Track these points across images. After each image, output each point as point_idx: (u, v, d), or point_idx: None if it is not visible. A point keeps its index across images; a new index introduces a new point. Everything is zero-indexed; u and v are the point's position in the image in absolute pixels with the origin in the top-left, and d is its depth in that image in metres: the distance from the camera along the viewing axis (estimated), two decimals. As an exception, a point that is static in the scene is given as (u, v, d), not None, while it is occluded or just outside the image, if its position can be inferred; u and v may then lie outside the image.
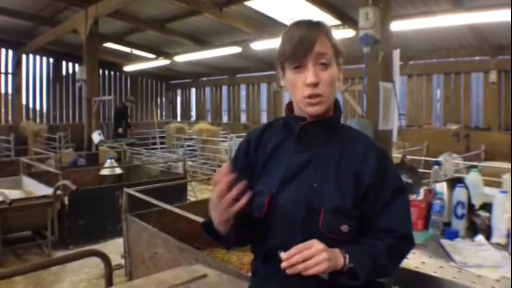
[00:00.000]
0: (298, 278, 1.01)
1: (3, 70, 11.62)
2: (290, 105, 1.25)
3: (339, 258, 1.05)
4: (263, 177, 1.22)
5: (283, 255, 1.02)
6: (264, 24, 8.06)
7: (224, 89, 14.03)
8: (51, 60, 12.78)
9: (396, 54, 3.91)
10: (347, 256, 1.05)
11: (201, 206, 4.11)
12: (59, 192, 4.27)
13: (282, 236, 1.12)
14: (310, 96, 1.11)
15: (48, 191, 4.38)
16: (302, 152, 1.19)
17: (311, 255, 1.00)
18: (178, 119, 15.76)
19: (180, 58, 10.86)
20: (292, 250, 1.01)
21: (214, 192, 1.04)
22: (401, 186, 1.20)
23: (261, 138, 1.27)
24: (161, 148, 11.60)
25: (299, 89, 1.13)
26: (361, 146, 1.19)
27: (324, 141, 1.19)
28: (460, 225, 1.93)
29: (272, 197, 1.16)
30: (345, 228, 1.11)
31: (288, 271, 1.00)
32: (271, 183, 1.18)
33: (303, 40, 1.10)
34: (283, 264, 1.00)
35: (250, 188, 1.16)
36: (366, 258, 1.08)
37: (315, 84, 1.10)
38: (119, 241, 3.90)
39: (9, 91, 11.79)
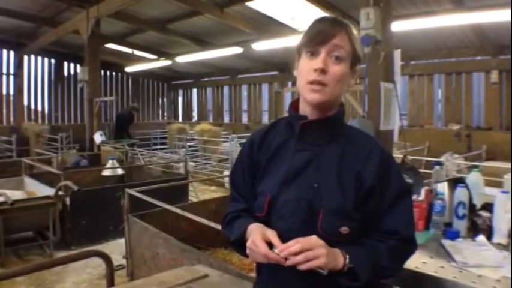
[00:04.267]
0: (300, 275, 1.02)
1: (5, 71, 11.65)
2: (294, 104, 1.25)
3: (339, 258, 1.05)
4: (265, 177, 1.23)
5: (280, 248, 1.02)
6: (265, 25, 8.06)
7: (226, 89, 14.03)
8: (52, 61, 12.80)
9: (397, 54, 3.90)
10: (347, 256, 1.05)
11: (203, 207, 4.14)
12: (60, 192, 4.28)
13: (281, 236, 1.10)
14: (313, 82, 1.11)
15: (50, 191, 4.39)
16: (303, 151, 1.19)
17: (310, 247, 1.00)
18: (180, 119, 15.77)
19: (181, 59, 10.87)
20: (291, 242, 1.02)
21: (254, 252, 1.08)
22: (405, 188, 1.19)
23: (264, 138, 1.27)
24: (161, 149, 11.61)
25: (305, 74, 1.14)
26: (364, 147, 1.18)
27: (326, 141, 1.19)
28: (461, 225, 1.93)
29: (273, 198, 1.17)
30: (344, 230, 1.10)
31: (287, 263, 1.00)
32: (273, 183, 1.19)
33: (324, 30, 1.12)
34: (283, 253, 1.00)
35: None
36: (367, 259, 1.08)
37: (322, 71, 1.10)
38: (121, 241, 3.91)
39: (11, 92, 11.82)
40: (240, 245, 1.19)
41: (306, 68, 1.14)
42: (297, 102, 1.24)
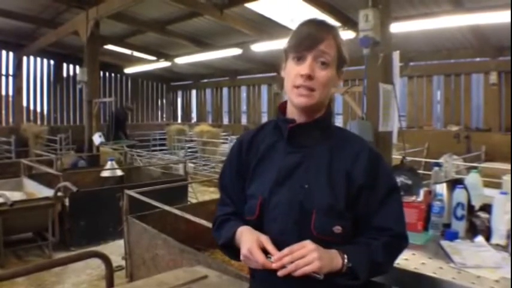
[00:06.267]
0: (294, 280, 1.02)
1: (4, 72, 11.64)
2: (282, 106, 1.26)
3: (336, 259, 1.05)
4: (255, 180, 1.23)
5: (274, 258, 1.02)
6: (264, 26, 8.07)
7: (225, 90, 14.03)
8: (51, 62, 12.79)
9: (396, 55, 3.91)
10: (345, 256, 1.06)
11: (202, 208, 4.14)
12: (59, 193, 4.27)
13: (275, 238, 1.11)
14: (300, 87, 1.12)
15: (49, 192, 4.39)
16: (293, 153, 1.19)
17: (301, 256, 1.01)
18: (179, 120, 15.77)
19: (180, 60, 10.87)
20: (284, 251, 1.02)
21: (250, 260, 1.08)
22: (394, 185, 1.21)
23: (253, 140, 1.28)
24: (161, 150, 11.61)
25: (292, 78, 1.14)
26: (353, 147, 1.20)
27: (314, 143, 1.20)
28: (459, 226, 1.93)
29: (264, 200, 1.17)
30: (337, 229, 1.11)
31: (279, 273, 1.01)
32: (263, 185, 1.19)
33: (311, 35, 1.13)
34: (275, 265, 1.01)
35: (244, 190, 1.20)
36: (364, 257, 1.09)
37: (308, 77, 1.11)
38: (120, 242, 3.91)
39: (10, 93, 11.81)
40: (228, 248, 1.20)
41: (293, 73, 1.14)
42: (285, 103, 1.25)
